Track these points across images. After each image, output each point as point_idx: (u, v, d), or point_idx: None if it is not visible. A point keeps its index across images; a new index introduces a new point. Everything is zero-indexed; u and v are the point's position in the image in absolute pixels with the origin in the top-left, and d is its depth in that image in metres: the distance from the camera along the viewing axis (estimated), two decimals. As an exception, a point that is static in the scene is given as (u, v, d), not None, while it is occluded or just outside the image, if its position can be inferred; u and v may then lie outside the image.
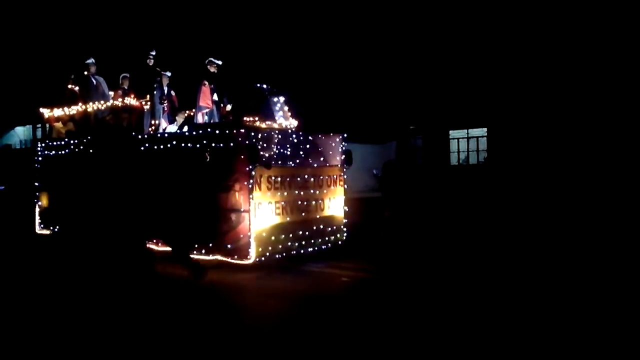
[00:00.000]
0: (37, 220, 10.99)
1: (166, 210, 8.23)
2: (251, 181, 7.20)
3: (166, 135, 8.35)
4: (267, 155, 7.62)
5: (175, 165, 8.07)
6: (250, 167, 7.19)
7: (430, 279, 7.15)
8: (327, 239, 8.55)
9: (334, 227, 8.67)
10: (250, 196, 7.20)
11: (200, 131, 7.79)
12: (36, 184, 10.98)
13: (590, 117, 18.07)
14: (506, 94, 20.24)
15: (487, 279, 7.08)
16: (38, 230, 10.99)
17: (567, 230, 11.21)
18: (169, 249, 8.22)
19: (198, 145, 7.72)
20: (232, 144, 7.33)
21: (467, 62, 21.07)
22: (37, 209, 10.99)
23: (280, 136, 8.01)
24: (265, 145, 7.58)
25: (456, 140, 23.33)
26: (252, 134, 7.29)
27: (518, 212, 14.52)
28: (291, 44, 23.56)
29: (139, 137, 8.72)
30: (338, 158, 8.80)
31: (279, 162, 7.91)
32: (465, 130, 22.87)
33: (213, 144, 7.53)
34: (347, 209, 8.87)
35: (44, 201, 10.80)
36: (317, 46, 23.39)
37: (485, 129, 22.09)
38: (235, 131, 7.31)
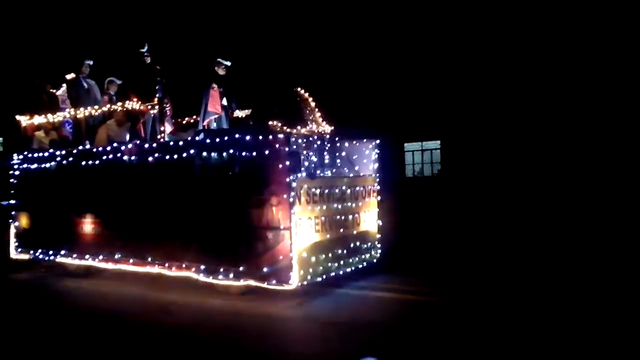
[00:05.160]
0: (14, 243, 9.61)
1: (182, 230, 7.18)
2: (292, 194, 6.26)
3: (181, 143, 7.26)
4: (306, 163, 6.72)
5: (194, 177, 7.03)
6: (292, 177, 6.25)
7: (479, 296, 6.48)
8: (363, 256, 7.68)
9: (369, 244, 7.81)
10: (292, 211, 6.25)
11: (226, 137, 6.77)
12: (12, 201, 9.60)
13: (540, 128, 18.51)
14: (458, 107, 20.78)
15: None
16: (14, 255, 9.62)
17: (521, 239, 10.90)
18: (185, 274, 7.17)
19: (224, 154, 6.73)
20: (267, 152, 6.37)
21: (420, 76, 21.33)
22: (14, 230, 9.61)
23: (319, 142, 7.11)
24: (305, 152, 6.67)
25: (411, 152, 23.60)
26: (293, 139, 6.36)
27: (476, 221, 14.25)
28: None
29: (147, 146, 7.63)
30: (371, 167, 7.98)
31: (318, 172, 7.01)
32: (420, 143, 23.18)
33: (243, 152, 6.55)
34: (381, 223, 8.02)
35: (22, 221, 9.44)
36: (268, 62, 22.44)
37: (438, 142, 22.52)
38: (271, 137, 6.37)
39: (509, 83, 19.26)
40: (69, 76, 9.61)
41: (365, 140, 7.96)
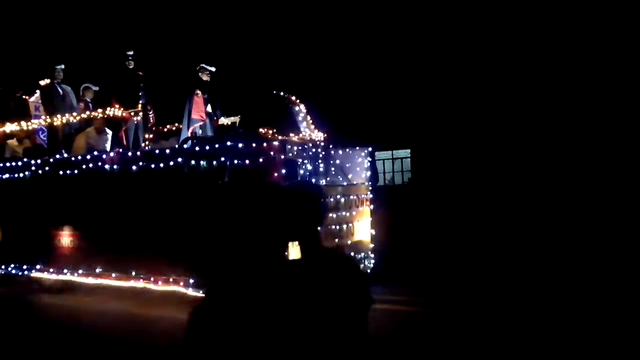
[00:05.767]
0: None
1: (169, 242, 6.84)
2: (288, 203, 6.00)
3: (168, 151, 6.94)
4: (301, 172, 6.49)
5: (182, 187, 6.72)
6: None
7: (468, 305, 6.40)
8: (357, 267, 7.46)
9: (363, 254, 7.61)
10: (288, 221, 6.00)
11: (217, 145, 6.50)
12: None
13: (508, 135, 18.89)
14: (428, 117, 21.22)
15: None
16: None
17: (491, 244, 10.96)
18: (173, 288, 6.83)
19: (214, 163, 6.45)
20: (261, 160, 6.12)
21: (390, 86, 21.59)
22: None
23: (312, 150, 6.89)
24: (300, 160, 6.45)
25: (382, 161, 23.89)
26: (288, 147, 6.13)
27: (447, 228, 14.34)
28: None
29: (131, 154, 7.27)
30: (364, 175, 7.80)
31: (312, 181, 6.78)
32: (390, 152, 23.36)
33: (235, 161, 6.28)
34: (374, 233, 7.84)
35: (-7, 235, 8.91)
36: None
37: (409, 150, 22.79)
38: (266, 144, 6.12)
39: (476, 94, 19.54)
40: (43, 82, 9.17)
41: (357, 148, 7.78)
